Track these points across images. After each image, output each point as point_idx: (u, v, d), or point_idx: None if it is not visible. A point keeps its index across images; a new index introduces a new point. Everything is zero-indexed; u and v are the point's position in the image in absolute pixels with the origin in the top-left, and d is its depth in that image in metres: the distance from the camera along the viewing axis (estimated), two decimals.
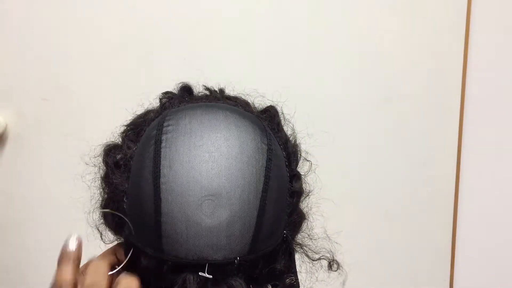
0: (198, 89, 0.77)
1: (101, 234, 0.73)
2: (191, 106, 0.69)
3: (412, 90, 1.39)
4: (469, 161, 1.44)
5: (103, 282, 0.59)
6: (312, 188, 0.74)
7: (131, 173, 0.66)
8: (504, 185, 1.46)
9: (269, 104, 0.76)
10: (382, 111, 1.40)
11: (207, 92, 0.77)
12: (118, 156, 0.69)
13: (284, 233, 0.67)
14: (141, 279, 0.64)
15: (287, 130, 0.75)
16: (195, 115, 0.64)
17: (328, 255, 0.73)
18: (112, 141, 0.73)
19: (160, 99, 0.75)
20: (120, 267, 0.67)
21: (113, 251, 0.69)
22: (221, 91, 0.77)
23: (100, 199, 0.71)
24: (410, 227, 1.46)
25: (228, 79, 0.78)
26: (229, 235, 0.59)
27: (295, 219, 0.70)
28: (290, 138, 0.74)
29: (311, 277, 0.73)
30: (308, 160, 0.75)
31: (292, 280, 0.67)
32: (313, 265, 0.73)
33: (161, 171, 0.60)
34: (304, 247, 0.72)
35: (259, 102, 0.75)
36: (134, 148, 0.68)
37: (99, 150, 0.72)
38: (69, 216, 1.40)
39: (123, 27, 1.34)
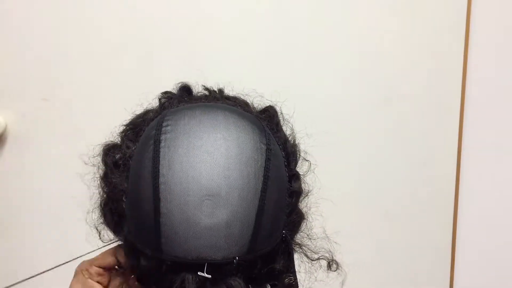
0: (197, 89, 0.77)
1: (99, 233, 0.73)
2: (190, 106, 0.69)
3: (412, 90, 1.39)
4: (469, 161, 1.43)
5: None
6: (311, 188, 0.74)
7: (130, 172, 0.66)
8: (504, 185, 1.46)
9: (268, 104, 0.76)
10: (382, 111, 1.40)
11: (206, 92, 0.77)
12: (117, 156, 0.70)
13: (283, 233, 0.67)
14: (141, 279, 0.64)
15: (286, 130, 0.75)
16: (194, 115, 0.65)
17: (327, 255, 0.73)
18: (111, 141, 0.73)
19: (159, 99, 0.75)
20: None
21: (113, 252, 0.69)
22: (220, 91, 0.77)
23: (100, 198, 0.71)
24: (410, 227, 1.46)
25: (228, 79, 0.78)
26: (228, 235, 0.59)
27: (294, 219, 0.70)
28: (289, 138, 0.74)
29: (310, 277, 0.73)
30: (307, 160, 0.75)
31: (291, 280, 0.67)
32: (312, 265, 0.73)
33: (160, 171, 0.60)
34: (303, 247, 0.72)
35: (258, 102, 0.76)
36: (133, 148, 0.68)
37: (98, 149, 0.73)
38: (69, 216, 1.40)
39: (123, 27, 1.34)
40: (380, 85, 1.39)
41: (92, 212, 0.73)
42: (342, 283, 0.80)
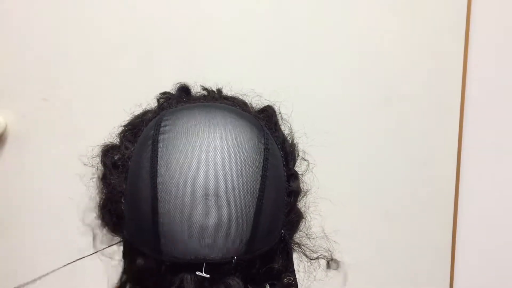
0: (196, 89, 0.77)
1: (94, 237, 0.73)
2: (189, 106, 0.69)
3: (412, 90, 1.39)
4: (469, 161, 1.43)
5: None
6: (310, 188, 0.74)
7: (129, 173, 0.66)
8: (504, 185, 1.46)
9: (266, 104, 0.76)
10: (382, 111, 1.40)
11: (205, 92, 0.77)
12: (116, 157, 0.70)
13: (282, 233, 0.67)
14: (139, 279, 0.64)
15: (285, 129, 0.75)
16: (192, 115, 0.65)
17: (327, 254, 0.74)
18: (110, 142, 0.73)
19: (158, 100, 0.75)
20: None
21: None
22: (219, 91, 0.77)
23: (98, 199, 0.71)
24: (410, 227, 1.46)
25: (226, 79, 0.78)
26: (226, 235, 0.60)
27: (293, 218, 0.70)
28: (288, 138, 0.74)
29: (309, 276, 0.73)
30: (305, 160, 0.76)
31: (290, 280, 0.67)
32: (311, 264, 0.73)
33: (158, 171, 0.60)
34: (302, 246, 0.72)
35: (257, 102, 0.76)
36: (132, 149, 0.68)
37: (97, 150, 0.73)
38: (69, 216, 1.40)
39: (123, 27, 1.34)
40: (380, 85, 1.39)
41: (87, 212, 0.73)
42: (343, 283, 0.80)
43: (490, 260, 1.50)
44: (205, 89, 0.78)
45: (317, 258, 0.73)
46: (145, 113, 0.73)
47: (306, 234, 0.73)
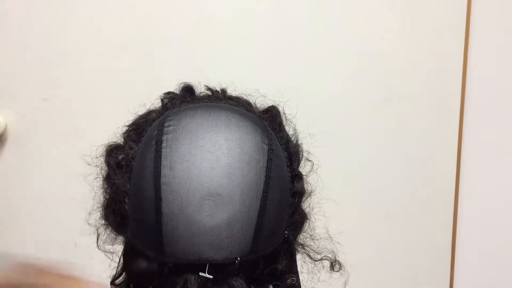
0: (200, 89, 0.77)
1: (98, 237, 0.72)
2: (192, 106, 0.69)
3: (412, 90, 1.39)
4: (469, 161, 1.43)
5: None
6: (314, 188, 0.74)
7: (133, 173, 0.66)
8: (504, 185, 1.46)
9: (270, 104, 0.76)
10: (382, 111, 1.40)
11: (209, 92, 0.77)
12: (120, 157, 0.70)
13: (286, 234, 0.67)
14: (142, 280, 0.64)
15: (289, 130, 0.75)
16: (196, 115, 0.64)
17: (330, 255, 0.73)
18: (114, 142, 0.73)
19: (162, 100, 0.75)
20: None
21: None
22: (223, 91, 0.77)
23: (102, 199, 0.71)
24: (410, 227, 1.46)
25: (230, 79, 0.78)
26: (229, 236, 0.59)
27: (297, 219, 0.70)
28: (292, 138, 0.74)
29: (313, 278, 0.73)
30: (309, 160, 0.75)
31: (294, 281, 0.67)
32: (315, 266, 0.72)
33: (161, 171, 0.60)
34: (306, 247, 0.72)
35: (261, 102, 0.75)
36: (136, 149, 0.68)
37: (101, 150, 0.72)
38: (70, 216, 1.40)
39: (123, 27, 1.34)
40: (380, 85, 1.39)
41: (93, 212, 0.73)
42: (345, 284, 0.79)
43: (490, 260, 1.50)
44: (209, 89, 0.77)
45: (321, 259, 0.73)
46: (149, 113, 0.73)
47: (310, 235, 0.73)
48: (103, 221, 0.71)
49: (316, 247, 0.73)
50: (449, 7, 1.37)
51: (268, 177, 0.62)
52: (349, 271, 0.77)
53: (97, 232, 0.73)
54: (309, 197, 0.73)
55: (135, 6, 1.34)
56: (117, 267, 0.69)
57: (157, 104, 0.75)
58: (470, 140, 1.42)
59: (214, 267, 0.60)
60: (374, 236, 1.45)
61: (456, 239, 1.46)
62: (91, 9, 1.33)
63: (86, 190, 0.75)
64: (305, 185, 0.72)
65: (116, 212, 0.68)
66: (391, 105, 1.40)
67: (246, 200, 0.60)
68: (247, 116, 0.67)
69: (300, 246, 0.72)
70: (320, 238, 0.73)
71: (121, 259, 0.68)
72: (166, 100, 0.74)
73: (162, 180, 0.60)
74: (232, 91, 0.77)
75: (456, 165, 1.43)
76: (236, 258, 0.60)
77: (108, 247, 0.73)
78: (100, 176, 0.72)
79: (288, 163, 0.69)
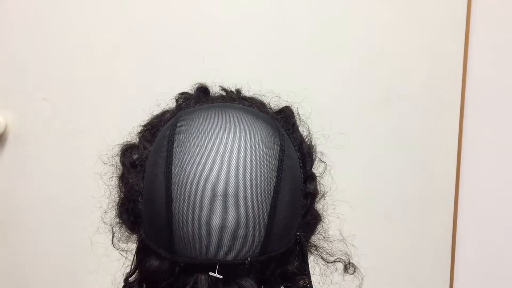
0: (214, 89, 0.77)
1: (113, 235, 0.72)
2: (205, 106, 0.69)
3: (412, 90, 1.39)
4: (469, 161, 1.44)
5: None
6: (327, 190, 0.74)
7: (146, 173, 0.66)
8: (504, 185, 1.46)
9: (284, 105, 0.75)
10: (382, 111, 1.40)
11: (223, 93, 0.77)
12: (135, 156, 0.70)
13: (298, 235, 0.66)
14: (153, 279, 0.64)
15: (303, 131, 0.75)
16: (208, 115, 0.65)
17: (344, 258, 0.73)
18: (129, 141, 0.73)
19: (176, 100, 0.75)
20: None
21: None
22: (238, 91, 0.77)
23: (117, 198, 0.72)
24: (410, 227, 1.46)
25: (245, 79, 0.78)
26: (239, 236, 0.59)
27: (309, 220, 0.69)
28: (306, 139, 0.74)
29: (325, 280, 0.73)
30: (323, 161, 0.75)
31: (305, 283, 0.67)
32: (328, 268, 0.72)
33: (172, 171, 0.60)
34: (319, 249, 0.72)
35: (275, 102, 0.75)
36: (150, 148, 0.68)
37: (116, 149, 0.73)
38: (70, 215, 1.41)
39: (123, 27, 1.34)
40: (380, 85, 1.39)
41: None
42: (359, 287, 0.79)
43: (490, 260, 1.50)
44: (223, 89, 0.77)
45: (334, 261, 0.73)
46: (163, 113, 0.73)
47: (323, 237, 0.73)
48: (118, 220, 0.71)
49: (329, 249, 0.73)
50: (449, 7, 1.37)
51: (279, 178, 0.62)
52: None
53: (112, 231, 0.72)
54: (323, 198, 0.73)
55: (135, 6, 1.34)
56: (131, 265, 0.69)
57: (172, 104, 0.75)
58: (470, 140, 1.42)
59: (224, 267, 0.60)
60: (374, 236, 1.45)
61: (456, 239, 1.47)
62: (92, 9, 1.33)
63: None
64: (318, 186, 0.72)
65: (130, 211, 0.68)
66: (391, 105, 1.40)
67: (256, 200, 0.60)
68: (260, 117, 0.67)
69: (313, 248, 0.72)
70: (334, 240, 0.73)
71: (135, 257, 0.68)
72: (180, 101, 0.74)
73: (173, 180, 0.60)
74: (246, 92, 0.77)
75: (456, 165, 1.43)
76: (246, 259, 0.60)
77: (123, 245, 0.73)
78: (115, 175, 0.72)
79: (301, 164, 0.69)
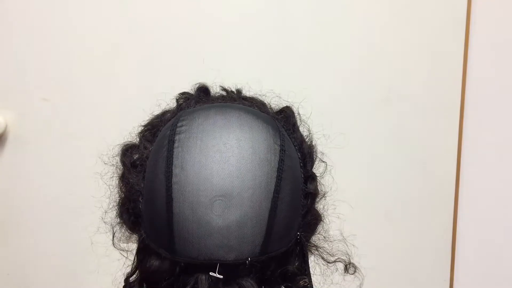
0: (215, 89, 0.77)
1: (113, 235, 0.72)
2: (206, 106, 0.69)
3: (412, 90, 1.40)
4: (469, 161, 1.44)
5: None
6: (327, 190, 0.74)
7: (146, 173, 0.66)
8: (504, 185, 1.46)
9: (285, 105, 0.75)
10: (382, 111, 1.40)
11: (224, 93, 0.77)
12: (135, 156, 0.70)
13: (298, 235, 0.67)
14: (153, 279, 0.64)
15: (303, 131, 0.75)
16: (208, 115, 0.65)
17: (345, 258, 0.73)
18: (130, 141, 0.73)
19: (177, 100, 0.75)
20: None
21: None
22: (238, 91, 0.77)
23: (118, 198, 0.72)
24: (410, 227, 1.46)
25: (245, 79, 0.78)
26: (240, 236, 0.59)
27: (310, 220, 0.69)
28: (306, 139, 0.74)
29: (326, 280, 0.73)
30: (323, 161, 0.75)
31: (306, 283, 0.67)
32: (328, 268, 0.72)
33: (173, 171, 0.60)
34: (320, 249, 0.72)
35: (276, 102, 0.75)
36: (150, 148, 0.68)
37: (117, 149, 0.73)
38: (70, 215, 1.41)
39: (124, 27, 1.34)
40: (380, 85, 1.39)
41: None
42: (360, 287, 0.79)
43: (490, 260, 1.50)
44: (224, 89, 0.77)
45: (335, 261, 0.73)
46: (164, 113, 0.73)
47: (324, 237, 0.73)
48: (118, 220, 0.71)
49: (329, 249, 0.73)
50: (449, 7, 1.37)
51: (279, 178, 0.62)
52: (364, 274, 0.76)
53: (113, 231, 0.73)
54: (323, 198, 0.73)
55: (135, 6, 1.34)
56: (132, 265, 0.69)
57: (172, 104, 0.75)
58: (470, 140, 1.42)
59: (225, 267, 0.60)
60: (373, 236, 1.45)
61: (456, 239, 1.47)
62: (92, 9, 1.33)
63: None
64: (319, 186, 0.72)
65: (130, 211, 0.68)
66: (391, 105, 1.40)
67: (257, 200, 0.60)
68: (260, 117, 0.67)
69: (313, 248, 0.72)
70: (334, 240, 0.73)
71: (135, 257, 0.68)
72: (181, 101, 0.74)
73: (174, 180, 0.60)
74: (247, 92, 0.77)
75: (456, 165, 1.43)
76: (246, 259, 0.60)
77: (123, 245, 0.73)
78: (116, 175, 0.72)
79: (301, 164, 0.69)
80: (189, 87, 0.76)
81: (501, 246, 1.49)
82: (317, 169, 0.74)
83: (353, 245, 0.74)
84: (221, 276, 0.59)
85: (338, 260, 0.73)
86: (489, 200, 1.47)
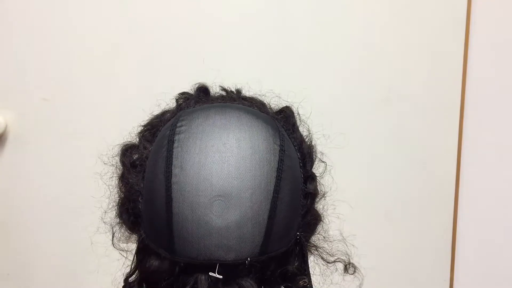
0: (214, 89, 0.77)
1: (113, 235, 0.72)
2: (205, 106, 0.69)
3: (412, 90, 1.39)
4: (469, 161, 1.44)
5: None
6: (327, 190, 0.74)
7: (146, 173, 0.66)
8: (504, 185, 1.46)
9: (285, 105, 0.75)
10: (382, 111, 1.40)
11: (223, 93, 0.77)
12: (135, 156, 0.70)
13: (298, 235, 0.66)
14: (153, 279, 0.64)
15: (303, 131, 0.75)
16: (208, 115, 0.64)
17: (344, 258, 0.73)
18: (129, 141, 0.73)
19: (177, 100, 0.75)
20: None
21: None
22: (238, 91, 0.77)
23: (117, 198, 0.72)
24: (410, 227, 1.46)
25: (245, 79, 0.78)
26: (239, 236, 0.59)
27: (310, 220, 0.69)
28: (306, 139, 0.74)
29: (325, 280, 0.73)
30: (323, 161, 0.75)
31: (305, 283, 0.67)
32: (328, 268, 0.72)
33: (172, 171, 0.60)
34: (319, 249, 0.72)
35: (275, 102, 0.75)
36: (150, 148, 0.68)
37: (116, 149, 0.73)
38: (70, 215, 1.41)
39: (124, 27, 1.34)
40: (380, 85, 1.39)
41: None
42: (359, 287, 0.79)
43: (490, 260, 1.50)
44: (223, 89, 0.77)
45: (334, 261, 0.73)
46: (163, 113, 0.73)
47: (324, 237, 0.72)
48: (118, 220, 0.71)
49: (329, 249, 0.73)
50: (449, 7, 1.37)
51: (279, 178, 0.62)
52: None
53: (112, 231, 0.73)
54: (323, 198, 0.73)
55: (135, 6, 1.34)
56: (131, 265, 0.69)
57: (172, 104, 0.75)
58: (470, 140, 1.42)
59: (224, 268, 0.60)
60: (373, 236, 1.45)
61: (456, 239, 1.47)
62: (92, 9, 1.33)
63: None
64: (318, 186, 0.72)
65: (130, 211, 0.68)
66: (391, 105, 1.40)
67: (256, 201, 0.60)
68: (260, 117, 0.67)
69: (313, 248, 0.72)
70: (334, 240, 0.73)
71: (135, 257, 0.68)
72: (180, 101, 0.74)
73: (173, 180, 0.60)
74: (246, 92, 0.77)
75: (456, 165, 1.43)
76: (246, 259, 0.60)
77: (123, 245, 0.73)
78: (115, 175, 0.72)
79: (301, 164, 0.69)
80: (189, 87, 0.76)
81: (501, 246, 1.49)
82: (317, 169, 0.74)
83: (353, 245, 0.73)
84: (221, 276, 0.59)
85: (337, 260, 0.73)
86: (489, 200, 1.47)
